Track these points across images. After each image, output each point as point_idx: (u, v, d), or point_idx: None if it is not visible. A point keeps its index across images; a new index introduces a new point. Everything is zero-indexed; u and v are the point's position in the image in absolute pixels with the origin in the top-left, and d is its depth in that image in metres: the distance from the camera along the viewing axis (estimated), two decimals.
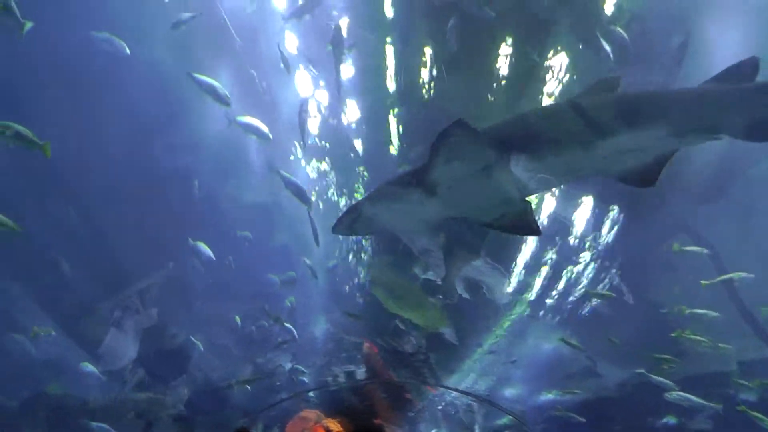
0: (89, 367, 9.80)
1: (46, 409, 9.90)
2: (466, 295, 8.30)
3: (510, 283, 8.19)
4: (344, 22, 6.97)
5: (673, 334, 7.67)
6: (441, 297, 9.22)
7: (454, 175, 4.90)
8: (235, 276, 10.42)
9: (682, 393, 7.72)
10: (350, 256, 10.51)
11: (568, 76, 6.48)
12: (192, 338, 11.18)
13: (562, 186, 6.33)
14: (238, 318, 11.21)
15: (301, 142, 8.27)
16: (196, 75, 7.66)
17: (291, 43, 7.75)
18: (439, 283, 8.86)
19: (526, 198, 4.92)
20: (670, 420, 8.36)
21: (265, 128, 8.03)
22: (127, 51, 7.45)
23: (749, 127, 4.43)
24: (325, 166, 8.95)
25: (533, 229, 5.14)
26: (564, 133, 4.67)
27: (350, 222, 5.46)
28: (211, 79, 7.71)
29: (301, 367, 12.72)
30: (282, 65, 7.59)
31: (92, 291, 9.84)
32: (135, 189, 8.97)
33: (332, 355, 13.30)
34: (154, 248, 10.01)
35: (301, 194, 8.22)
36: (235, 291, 11.04)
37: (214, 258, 10.00)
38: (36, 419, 9.80)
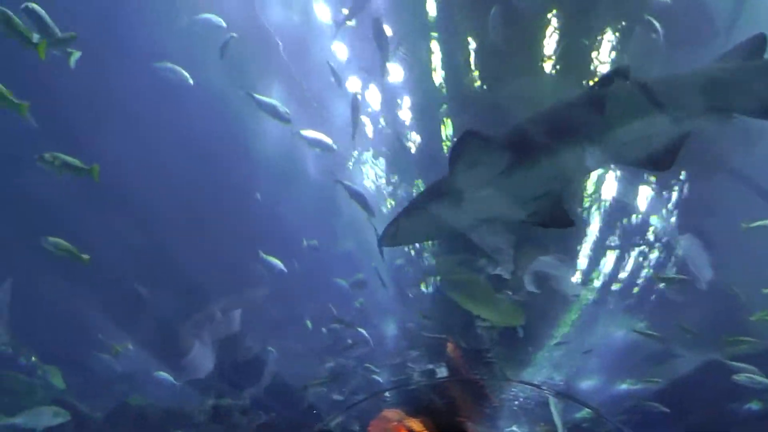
0: (163, 374, 10.19)
1: (128, 419, 10.38)
2: (534, 290, 8.22)
3: (576, 273, 8.04)
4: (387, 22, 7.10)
5: (753, 318, 7.32)
6: (509, 293, 9.15)
7: (475, 182, 5.10)
8: (302, 282, 10.65)
9: (751, 373, 7.40)
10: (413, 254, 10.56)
11: (616, 53, 6.37)
12: (267, 347, 11.51)
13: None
14: (309, 322, 11.45)
15: (354, 140, 8.29)
16: (256, 95, 7.93)
17: (341, 52, 7.90)
18: (508, 278, 8.80)
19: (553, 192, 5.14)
20: (753, 405, 7.98)
21: (328, 140, 8.31)
22: (191, 80, 7.71)
23: (763, 105, 4.42)
24: (379, 170, 9.05)
25: (565, 221, 5.37)
26: (579, 127, 4.84)
27: (392, 235, 5.78)
28: (270, 98, 7.96)
29: (372, 367, 12.84)
30: (332, 79, 7.77)
31: (169, 308, 10.25)
32: (200, 207, 9.32)
33: (406, 354, 13.35)
34: (223, 261, 10.34)
35: (363, 203, 8.34)
36: (305, 297, 11.28)
37: (285, 270, 10.27)
38: (119, 429, 10.28)
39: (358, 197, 8.32)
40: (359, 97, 7.83)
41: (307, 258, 10.66)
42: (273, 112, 7.96)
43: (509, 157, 4.87)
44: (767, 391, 7.67)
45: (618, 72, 4.85)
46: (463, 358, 13.27)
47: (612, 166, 6.13)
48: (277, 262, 10.09)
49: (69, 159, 6.20)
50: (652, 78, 4.93)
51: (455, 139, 5.34)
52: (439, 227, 5.75)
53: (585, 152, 4.80)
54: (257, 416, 11.27)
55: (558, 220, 5.39)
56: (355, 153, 8.74)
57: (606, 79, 5.04)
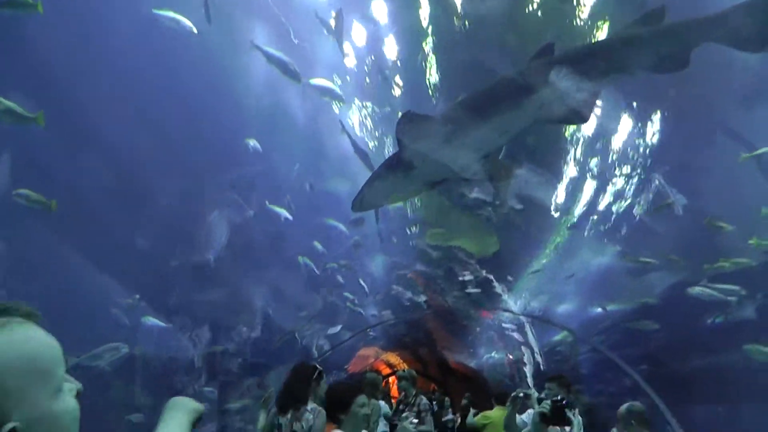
0: (151, 320, 10.30)
1: (136, 369, 10.61)
2: (518, 206, 8.62)
3: (557, 197, 8.33)
4: None
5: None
6: (491, 210, 9.43)
7: (422, 153, 6.13)
8: (295, 223, 10.71)
9: (706, 287, 8.06)
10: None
11: None
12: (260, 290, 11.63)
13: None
14: (302, 258, 11.51)
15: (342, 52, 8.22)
16: (266, 48, 7.81)
17: None
18: (488, 199, 9.11)
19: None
20: (717, 319, 8.55)
21: (337, 89, 8.26)
22: (195, 30, 7.52)
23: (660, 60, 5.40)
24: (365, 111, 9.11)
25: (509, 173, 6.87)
26: (509, 97, 5.85)
27: (359, 203, 7.01)
28: (280, 53, 7.87)
29: (360, 309, 13.25)
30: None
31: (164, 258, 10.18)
32: (192, 157, 9.21)
33: (389, 291, 13.72)
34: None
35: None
36: (298, 237, 11.36)
37: (291, 218, 10.25)
38: (128, 378, 10.51)
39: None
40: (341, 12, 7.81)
41: (301, 200, 10.66)
42: (284, 68, 7.86)
43: (449, 130, 5.90)
44: (726, 304, 8.23)
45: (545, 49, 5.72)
46: (435, 291, 13.74)
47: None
48: (282, 211, 10.07)
49: (12, 105, 6.09)
50: (569, 49, 5.97)
51: (399, 119, 5.87)
52: (396, 192, 7.01)
53: (513, 117, 5.87)
54: (251, 359, 11.63)
55: (500, 174, 6.72)
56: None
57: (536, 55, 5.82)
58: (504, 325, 15.03)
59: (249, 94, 8.91)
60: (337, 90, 8.28)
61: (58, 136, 7.20)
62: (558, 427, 4.82)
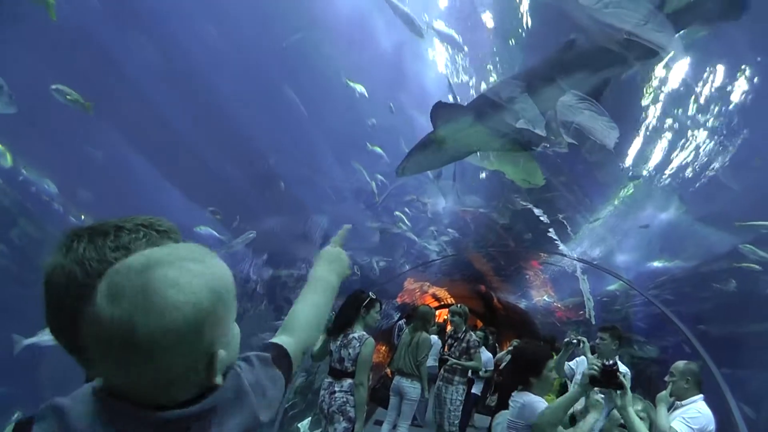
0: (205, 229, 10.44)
1: None
2: (573, 141, 8.44)
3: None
4: None
5: None
6: (548, 146, 9.24)
7: (452, 134, 7.40)
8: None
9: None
10: None
11: None
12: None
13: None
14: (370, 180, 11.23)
15: None
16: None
17: None
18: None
19: None
20: None
21: (458, 36, 8.05)
22: None
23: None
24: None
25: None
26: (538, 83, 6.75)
27: (402, 171, 8.26)
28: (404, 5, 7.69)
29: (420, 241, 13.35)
30: None
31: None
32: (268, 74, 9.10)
33: (448, 228, 13.72)
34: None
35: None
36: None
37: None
38: None
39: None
40: None
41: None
42: (408, 21, 7.73)
43: (475, 115, 7.07)
44: None
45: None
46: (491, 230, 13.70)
47: None
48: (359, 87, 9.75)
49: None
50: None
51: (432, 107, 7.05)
52: (433, 163, 8.39)
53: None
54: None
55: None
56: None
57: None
58: (558, 270, 14.96)
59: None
60: (458, 38, 8.06)
61: None
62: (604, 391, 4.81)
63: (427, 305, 12.17)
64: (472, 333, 11.09)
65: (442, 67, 8.67)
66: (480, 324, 18.92)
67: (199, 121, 8.87)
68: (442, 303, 26.91)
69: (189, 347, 1.15)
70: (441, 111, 7.03)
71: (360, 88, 9.08)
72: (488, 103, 6.96)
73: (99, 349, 1.11)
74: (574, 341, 8.36)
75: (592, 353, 8.01)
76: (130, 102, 7.38)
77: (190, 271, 1.16)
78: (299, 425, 12.07)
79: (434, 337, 12.00)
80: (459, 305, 11.18)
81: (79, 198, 7.40)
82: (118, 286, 1.11)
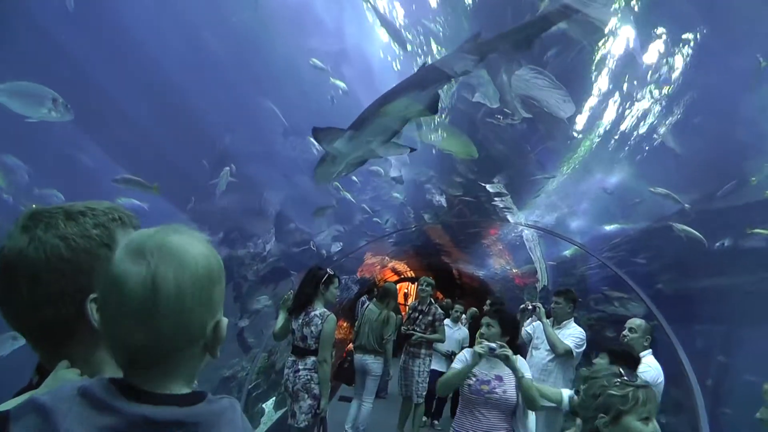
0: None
1: None
2: (527, 114, 8.64)
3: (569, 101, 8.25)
4: None
5: None
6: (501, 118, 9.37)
7: (339, 151, 8.19)
8: None
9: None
10: None
11: None
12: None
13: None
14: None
15: None
16: None
17: None
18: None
19: None
20: (726, 242, 8.64)
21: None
22: None
23: None
24: None
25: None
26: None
27: (316, 180, 9.73)
28: None
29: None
30: None
31: None
32: None
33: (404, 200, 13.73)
34: None
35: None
36: None
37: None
38: None
39: None
40: None
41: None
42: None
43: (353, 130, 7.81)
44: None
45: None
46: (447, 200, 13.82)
47: None
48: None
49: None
50: None
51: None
52: (333, 173, 9.09)
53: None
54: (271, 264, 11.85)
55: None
56: None
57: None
58: (514, 237, 15.28)
59: None
60: None
61: None
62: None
63: (391, 282, 12.27)
64: (436, 306, 11.14)
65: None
66: (441, 296, 19.11)
67: (146, 99, 8.71)
68: (402, 276, 27.16)
69: (206, 301, 1.25)
70: (320, 134, 7.94)
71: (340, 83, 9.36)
72: (358, 121, 7.84)
73: (121, 310, 1.16)
74: (530, 307, 8.64)
75: (548, 317, 8.26)
76: (73, 82, 7.17)
77: (193, 236, 1.28)
78: (263, 405, 12.12)
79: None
80: (427, 277, 11.28)
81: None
82: (139, 246, 1.19)
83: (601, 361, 5.31)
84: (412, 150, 8.94)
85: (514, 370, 5.25)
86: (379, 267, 21.73)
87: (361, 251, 16.01)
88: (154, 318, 1.15)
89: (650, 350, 6.68)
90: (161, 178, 9.21)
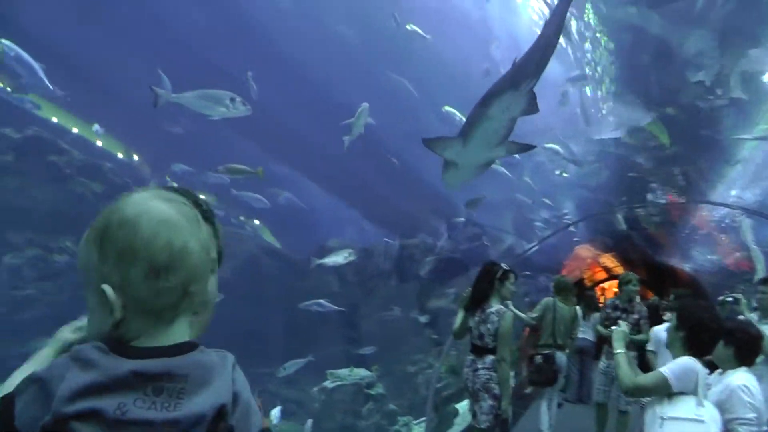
0: None
1: None
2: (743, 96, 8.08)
3: None
4: None
5: None
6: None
7: (455, 157, 8.29)
8: None
9: None
10: None
11: None
12: None
13: None
14: None
15: None
16: None
17: None
18: None
19: None
20: None
21: None
22: None
23: None
24: None
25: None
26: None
27: (446, 186, 9.28)
28: None
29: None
30: None
31: None
32: None
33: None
34: None
35: None
36: None
37: None
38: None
39: None
40: None
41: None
42: None
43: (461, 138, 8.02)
44: None
45: None
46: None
47: None
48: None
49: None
50: None
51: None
52: (464, 176, 8.90)
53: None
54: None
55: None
56: None
57: None
58: (717, 221, 13.72)
59: None
60: None
61: None
62: None
63: (564, 275, 11.47)
64: (641, 304, 10.08)
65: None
66: (650, 294, 17.39)
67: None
68: (612, 274, 24.93)
69: (207, 252, 1.27)
70: (431, 144, 8.08)
71: None
72: (465, 127, 8.05)
73: (137, 262, 1.18)
74: (729, 299, 7.60)
75: (755, 309, 7.16)
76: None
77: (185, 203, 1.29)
78: (457, 406, 11.99)
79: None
80: (631, 273, 10.35)
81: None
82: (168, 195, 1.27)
83: None
84: (532, 147, 8.95)
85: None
86: (589, 261, 20.64)
87: (554, 246, 15.34)
88: (168, 267, 1.19)
89: None
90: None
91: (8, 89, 10.90)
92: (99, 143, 12.56)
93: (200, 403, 1.18)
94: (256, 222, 17.22)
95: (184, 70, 8.10)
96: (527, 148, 8.84)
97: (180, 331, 1.26)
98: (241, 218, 16.25)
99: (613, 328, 4.72)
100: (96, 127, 11.81)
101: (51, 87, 8.27)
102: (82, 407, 1.11)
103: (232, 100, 7.43)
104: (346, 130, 9.56)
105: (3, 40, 7.66)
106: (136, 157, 14.78)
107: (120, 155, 14.19)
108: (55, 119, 11.96)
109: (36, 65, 8.07)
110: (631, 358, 4.76)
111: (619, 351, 4.48)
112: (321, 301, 10.48)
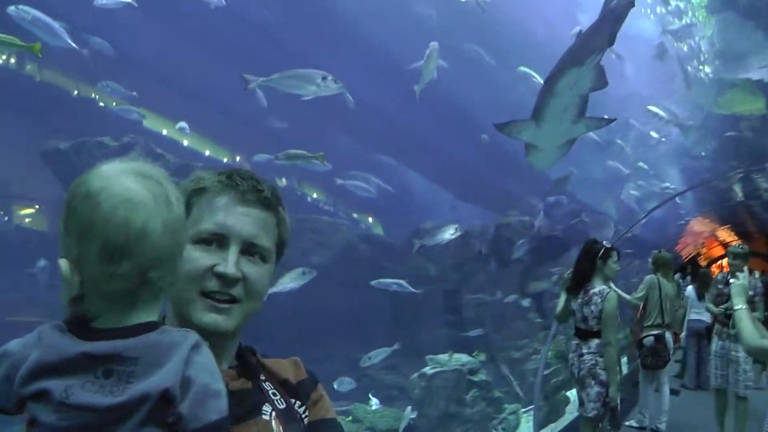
0: None
1: None
2: None
3: None
4: None
5: None
6: None
7: (533, 139, 7.93)
8: None
9: None
10: None
11: None
12: None
13: None
14: None
15: None
16: None
17: None
18: None
19: None
20: None
21: None
22: None
23: None
24: None
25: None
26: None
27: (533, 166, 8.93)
28: None
29: None
30: None
31: None
32: None
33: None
34: None
35: None
36: None
37: None
38: None
39: None
40: None
41: None
42: None
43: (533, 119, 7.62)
44: None
45: None
46: None
47: None
48: None
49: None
50: None
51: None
52: (547, 159, 8.58)
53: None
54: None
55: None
56: None
57: None
58: None
59: None
60: None
61: None
62: None
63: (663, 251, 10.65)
64: (758, 279, 9.12)
65: None
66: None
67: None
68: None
69: (174, 234, 1.19)
70: (504, 129, 7.76)
71: None
72: (536, 107, 7.63)
73: (93, 240, 1.11)
74: None
75: None
76: None
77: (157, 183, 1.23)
78: (568, 394, 11.47)
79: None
80: (740, 245, 9.38)
81: None
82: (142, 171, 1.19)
83: None
84: (612, 121, 8.35)
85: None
86: (706, 236, 19.26)
87: (663, 222, 14.36)
88: (131, 243, 1.11)
89: None
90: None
91: (114, 104, 11.40)
92: (185, 142, 12.99)
93: (147, 386, 1.11)
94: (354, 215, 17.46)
95: (268, 64, 8.16)
96: (608, 121, 8.35)
97: (144, 314, 1.20)
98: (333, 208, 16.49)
99: (732, 281, 4.40)
100: (181, 124, 11.69)
101: (75, 45, 8.11)
102: (35, 388, 1.10)
103: (324, 78, 7.44)
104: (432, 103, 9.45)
105: (20, 6, 7.47)
106: (225, 158, 15.16)
107: (207, 153, 14.59)
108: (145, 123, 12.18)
109: (56, 25, 7.78)
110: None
111: (739, 306, 4.21)
112: (401, 281, 10.39)
